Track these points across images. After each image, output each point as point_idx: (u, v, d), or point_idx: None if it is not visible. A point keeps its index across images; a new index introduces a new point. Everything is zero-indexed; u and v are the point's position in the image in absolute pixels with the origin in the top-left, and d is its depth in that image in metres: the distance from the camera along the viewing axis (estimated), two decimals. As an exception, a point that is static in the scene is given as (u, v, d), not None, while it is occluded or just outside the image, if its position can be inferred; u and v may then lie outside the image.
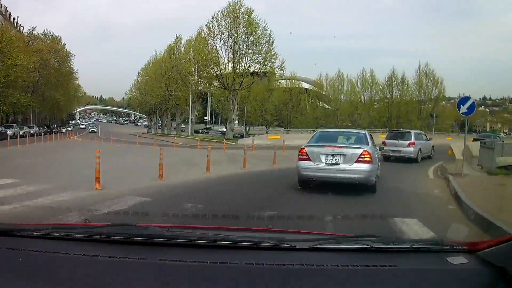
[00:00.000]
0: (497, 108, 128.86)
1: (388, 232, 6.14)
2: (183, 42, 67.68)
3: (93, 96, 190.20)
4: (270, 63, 55.23)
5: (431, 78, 67.39)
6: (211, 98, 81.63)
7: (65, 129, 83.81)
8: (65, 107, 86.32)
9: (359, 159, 10.18)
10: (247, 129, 64.58)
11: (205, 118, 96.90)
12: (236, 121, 63.77)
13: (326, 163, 10.40)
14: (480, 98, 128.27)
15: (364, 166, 10.16)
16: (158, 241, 1.99)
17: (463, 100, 14.53)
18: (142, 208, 7.99)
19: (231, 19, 54.40)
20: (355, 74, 71.90)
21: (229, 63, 55.05)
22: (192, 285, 1.65)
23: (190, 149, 33.50)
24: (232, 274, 1.71)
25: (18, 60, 51.07)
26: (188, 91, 59.10)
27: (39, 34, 68.00)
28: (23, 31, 69.46)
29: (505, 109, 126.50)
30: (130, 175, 14.14)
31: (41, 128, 59.19)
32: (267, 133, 55.36)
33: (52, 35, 71.75)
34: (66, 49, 74.28)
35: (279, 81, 70.30)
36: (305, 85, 75.90)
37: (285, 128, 61.83)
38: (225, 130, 62.92)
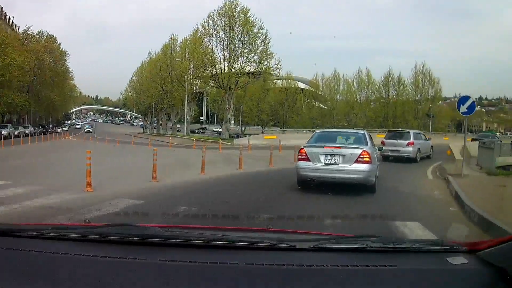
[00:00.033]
0: (493, 108, 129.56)
1: (389, 233, 6.03)
2: (178, 42, 67.79)
3: (88, 96, 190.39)
4: (266, 63, 55.26)
5: (428, 78, 67.68)
6: (207, 98, 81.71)
7: (60, 129, 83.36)
8: (61, 107, 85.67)
9: (358, 159, 10.15)
10: (243, 129, 64.50)
11: (200, 118, 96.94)
12: (232, 121, 63.77)
13: (325, 163, 10.37)
14: (476, 98, 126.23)
15: (363, 166, 10.12)
16: (158, 241, 1.99)
17: (463, 99, 14.31)
18: (133, 211, 7.73)
19: (227, 18, 54.29)
20: (352, 74, 72.15)
21: (225, 62, 54.97)
22: (192, 285, 1.65)
23: (185, 149, 33.30)
24: (232, 274, 1.70)
25: (13, 60, 50.76)
26: (184, 90, 58.94)
27: (35, 34, 67.60)
28: (19, 31, 69.07)
29: (501, 109, 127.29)
30: (123, 176, 13.90)
31: (36, 128, 58.94)
32: (263, 133, 55.38)
33: (47, 35, 71.27)
34: (62, 49, 73.88)
35: (275, 81, 70.29)
36: (301, 85, 76.06)
37: (281, 128, 61.92)
38: (220, 130, 62.77)
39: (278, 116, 70.87)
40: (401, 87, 68.43)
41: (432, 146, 24.32)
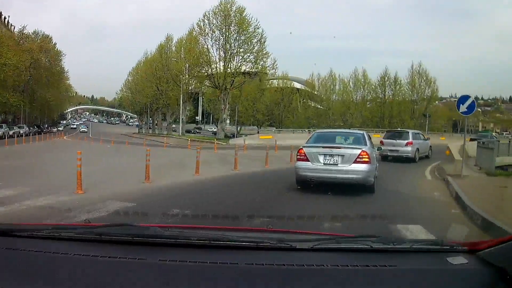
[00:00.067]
0: (489, 108, 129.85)
1: (389, 233, 5.99)
2: (174, 41, 67.25)
3: (84, 96, 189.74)
4: (262, 62, 54.74)
5: (424, 78, 67.68)
6: (202, 98, 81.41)
7: (55, 129, 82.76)
8: (56, 107, 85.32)
9: (357, 160, 10.16)
10: (238, 129, 64.12)
11: (196, 117, 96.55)
12: (228, 121, 63.48)
13: (324, 164, 10.40)
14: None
15: (362, 167, 10.14)
16: (158, 241, 1.99)
17: (463, 99, 14.12)
18: (125, 213, 7.49)
19: (223, 17, 53.88)
20: (348, 74, 72.06)
21: (220, 62, 54.57)
22: (192, 285, 1.65)
23: (180, 149, 33.01)
24: (232, 274, 1.71)
25: (8, 60, 50.60)
26: (179, 90, 58.61)
27: (30, 33, 67.17)
28: (14, 30, 68.63)
29: (497, 109, 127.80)
30: (115, 178, 13.67)
31: (31, 128, 58.67)
32: (258, 133, 55.19)
33: (43, 35, 70.69)
34: (57, 49, 73.33)
35: (271, 80, 70.07)
36: (297, 85, 75.86)
37: (276, 128, 61.74)
38: (216, 129, 62.49)
39: (274, 116, 70.69)
40: (398, 87, 68.42)
41: (431, 146, 24.36)
